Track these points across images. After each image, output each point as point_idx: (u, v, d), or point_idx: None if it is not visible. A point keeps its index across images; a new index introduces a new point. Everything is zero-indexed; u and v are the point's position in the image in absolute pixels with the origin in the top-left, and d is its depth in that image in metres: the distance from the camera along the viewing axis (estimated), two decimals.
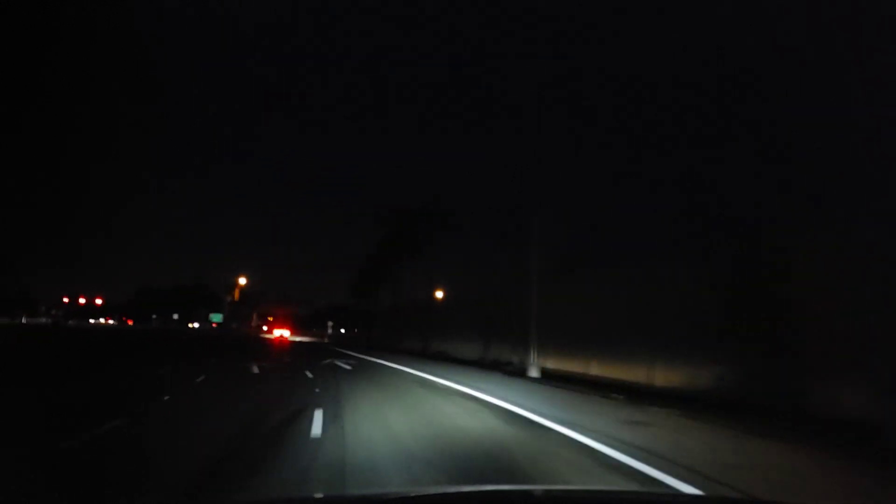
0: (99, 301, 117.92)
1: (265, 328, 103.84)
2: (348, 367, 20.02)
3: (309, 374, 16.68)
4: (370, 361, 24.99)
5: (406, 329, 44.64)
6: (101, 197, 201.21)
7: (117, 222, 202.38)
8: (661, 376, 13.59)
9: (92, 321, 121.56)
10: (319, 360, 24.13)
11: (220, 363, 21.17)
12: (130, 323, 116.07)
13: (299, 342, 54.90)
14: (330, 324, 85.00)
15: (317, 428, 7.54)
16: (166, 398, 10.86)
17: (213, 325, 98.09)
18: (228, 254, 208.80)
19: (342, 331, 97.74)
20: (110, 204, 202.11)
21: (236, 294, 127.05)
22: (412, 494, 2.75)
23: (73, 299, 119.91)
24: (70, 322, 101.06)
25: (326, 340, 62.22)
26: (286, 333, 67.22)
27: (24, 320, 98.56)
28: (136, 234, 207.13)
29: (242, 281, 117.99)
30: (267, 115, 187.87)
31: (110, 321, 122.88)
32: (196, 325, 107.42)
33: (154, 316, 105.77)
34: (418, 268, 44.18)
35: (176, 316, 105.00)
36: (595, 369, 16.59)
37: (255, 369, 18.45)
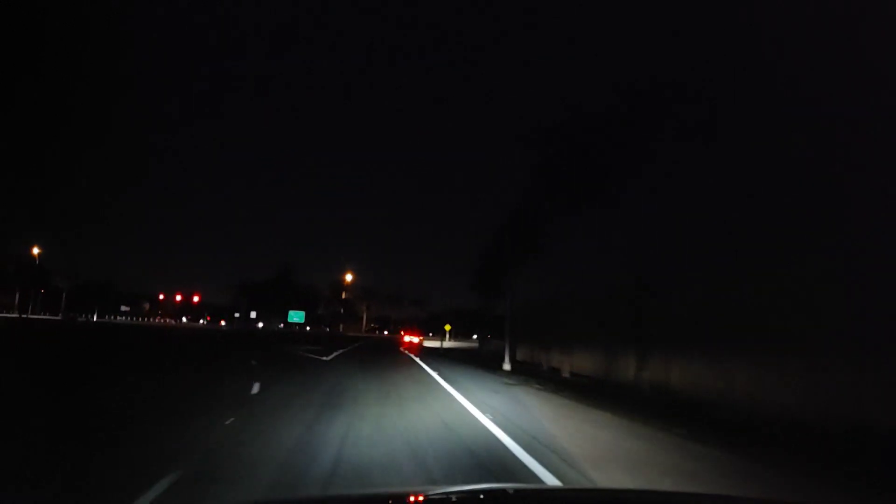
0: (196, 298, 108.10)
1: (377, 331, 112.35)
2: None
3: None
4: None
5: (567, 335, 24.10)
6: (213, 196, 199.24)
7: (228, 222, 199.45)
8: None
9: (185, 320, 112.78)
10: None
11: None
12: (223, 323, 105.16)
13: (388, 355, 36.09)
14: (447, 328, 69.79)
15: None
16: None
17: (282, 325, 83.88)
18: (335, 252, 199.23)
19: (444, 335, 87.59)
20: (221, 202, 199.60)
21: (343, 293, 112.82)
22: (412, 494, 2.52)
23: (183, 298, 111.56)
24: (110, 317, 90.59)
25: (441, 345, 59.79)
26: (415, 339, 70.89)
27: (92, 317, 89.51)
28: (247, 234, 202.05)
29: (349, 277, 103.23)
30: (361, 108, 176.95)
31: (208, 321, 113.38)
32: (260, 324, 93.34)
33: (237, 315, 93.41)
34: (596, 227, 23.46)
35: (254, 314, 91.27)
36: None
37: None
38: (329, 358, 24.44)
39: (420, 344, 62.43)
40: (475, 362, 28.61)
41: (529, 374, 22.30)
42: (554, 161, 26.75)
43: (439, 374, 17.87)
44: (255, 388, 12.17)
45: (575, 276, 25.69)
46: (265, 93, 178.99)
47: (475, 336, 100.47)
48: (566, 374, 23.99)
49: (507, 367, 24.09)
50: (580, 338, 23.64)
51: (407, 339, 72.74)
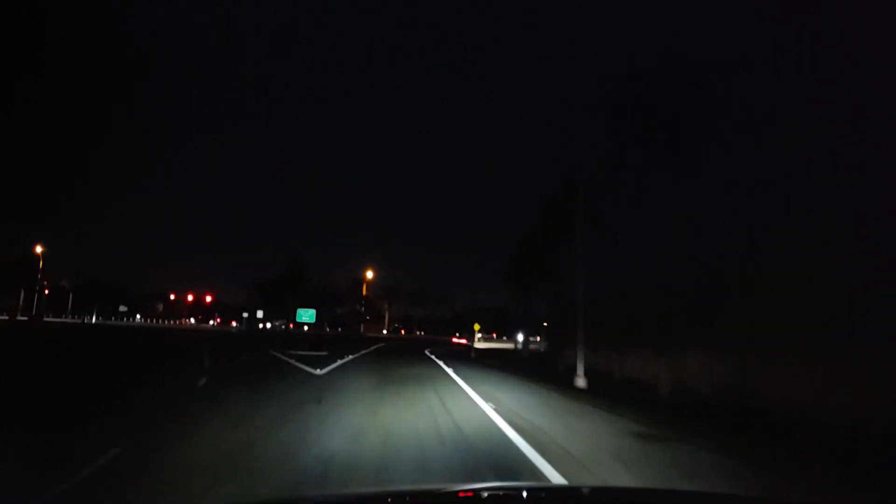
0: (209, 298, 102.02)
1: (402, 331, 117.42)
2: None
3: None
4: None
5: (661, 334, 16.58)
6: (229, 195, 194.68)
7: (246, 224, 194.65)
8: None
9: (192, 321, 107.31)
10: None
11: None
12: (234, 324, 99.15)
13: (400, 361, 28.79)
14: (476, 328, 63.99)
15: None
16: None
17: (290, 325, 77.08)
18: (353, 251, 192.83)
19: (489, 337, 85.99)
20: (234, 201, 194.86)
21: (364, 289, 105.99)
22: (413, 491, 2.68)
23: (195, 298, 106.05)
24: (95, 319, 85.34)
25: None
26: (463, 341, 75.32)
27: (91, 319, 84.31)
28: (262, 233, 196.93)
29: (369, 275, 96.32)
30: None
31: (218, 322, 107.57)
32: (268, 325, 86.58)
33: (245, 315, 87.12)
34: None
35: (260, 314, 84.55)
36: None
37: None
38: (323, 372, 17.20)
39: (466, 345, 66.43)
40: (527, 374, 21.24)
41: (620, 394, 14.85)
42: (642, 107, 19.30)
43: (495, 408, 10.44)
44: (107, 457, 5.07)
45: (668, 253, 18.15)
46: (265, 92, 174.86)
47: (504, 337, 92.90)
48: (664, 392, 16.55)
49: (580, 383, 16.61)
50: (684, 337, 16.13)
51: (455, 340, 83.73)
